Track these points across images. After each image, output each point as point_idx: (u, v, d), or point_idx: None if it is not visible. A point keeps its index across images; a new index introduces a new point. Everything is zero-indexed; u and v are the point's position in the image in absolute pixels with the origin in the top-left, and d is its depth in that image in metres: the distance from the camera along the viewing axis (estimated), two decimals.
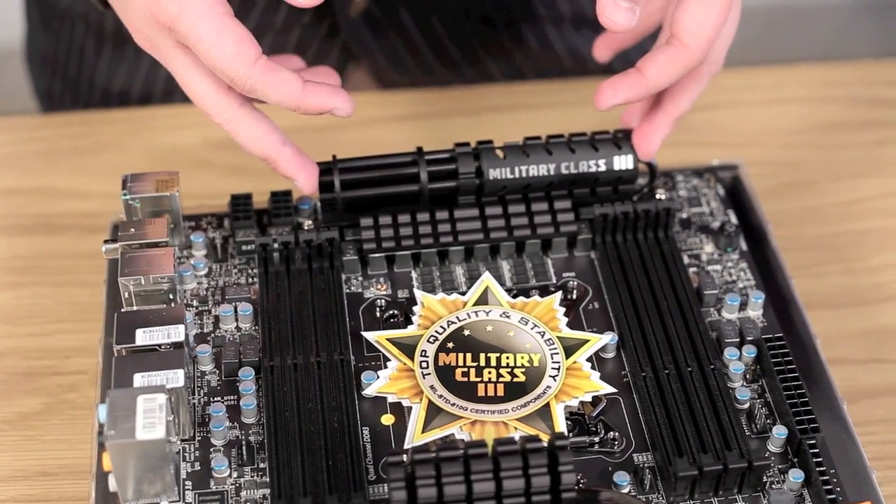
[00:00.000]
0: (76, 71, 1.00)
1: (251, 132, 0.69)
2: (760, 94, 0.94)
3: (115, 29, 0.96)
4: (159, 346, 0.64)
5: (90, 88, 1.00)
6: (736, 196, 0.78)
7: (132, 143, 0.90)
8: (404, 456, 0.58)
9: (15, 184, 0.87)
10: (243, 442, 0.64)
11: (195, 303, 0.71)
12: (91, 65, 0.99)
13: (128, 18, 0.69)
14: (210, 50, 0.65)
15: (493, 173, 0.72)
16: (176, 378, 0.62)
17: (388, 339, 0.68)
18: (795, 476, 0.62)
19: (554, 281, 0.72)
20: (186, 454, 0.64)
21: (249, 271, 0.72)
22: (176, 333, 0.64)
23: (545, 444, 0.59)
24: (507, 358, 0.67)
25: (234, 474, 0.63)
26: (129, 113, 0.93)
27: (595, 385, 0.66)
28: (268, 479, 0.62)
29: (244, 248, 0.73)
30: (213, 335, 0.69)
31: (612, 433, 0.64)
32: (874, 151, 0.90)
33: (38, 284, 0.81)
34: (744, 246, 0.74)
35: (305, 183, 0.70)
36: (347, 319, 0.69)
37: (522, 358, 0.67)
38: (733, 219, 0.75)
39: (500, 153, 0.72)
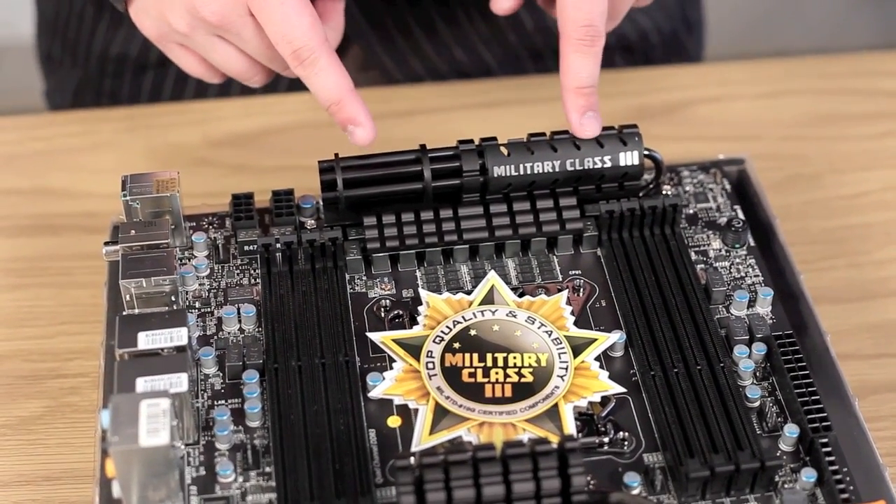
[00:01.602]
0: (75, 34, 1.01)
1: (333, 68, 0.70)
2: (763, 86, 0.94)
3: None
4: (162, 349, 0.63)
5: (88, 52, 1.00)
6: (742, 190, 0.77)
7: (131, 142, 0.89)
8: (412, 459, 0.58)
9: (13, 184, 0.86)
10: (248, 446, 0.63)
11: (197, 304, 0.70)
12: (90, 29, 0.99)
13: (163, 7, 0.70)
14: (290, 15, 0.68)
15: (498, 171, 0.71)
16: (179, 382, 0.62)
17: (393, 340, 0.67)
18: (808, 475, 0.61)
19: (560, 279, 0.71)
20: (191, 458, 0.63)
21: (252, 272, 0.71)
22: (179, 337, 0.64)
23: (555, 446, 0.58)
24: (515, 358, 0.66)
25: (240, 479, 0.62)
26: (128, 111, 0.92)
27: (604, 385, 0.65)
28: (274, 484, 0.61)
29: (246, 248, 0.72)
30: (216, 337, 0.68)
31: (621, 433, 0.63)
32: (878, 144, 0.89)
33: (38, 286, 0.80)
34: (751, 241, 0.73)
35: (369, 131, 0.71)
36: (352, 320, 0.69)
37: (530, 358, 0.66)
38: (740, 214, 0.74)
39: (504, 150, 0.71)
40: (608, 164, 0.72)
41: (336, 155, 0.72)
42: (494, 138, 0.72)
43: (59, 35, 1.03)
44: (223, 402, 0.65)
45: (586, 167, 0.71)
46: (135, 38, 0.97)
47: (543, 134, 0.72)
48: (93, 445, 0.69)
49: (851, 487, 0.61)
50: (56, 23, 1.03)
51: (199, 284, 0.71)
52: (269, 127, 0.90)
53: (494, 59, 0.98)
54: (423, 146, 0.72)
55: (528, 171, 0.71)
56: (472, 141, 0.72)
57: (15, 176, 0.87)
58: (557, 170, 0.71)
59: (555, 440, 0.59)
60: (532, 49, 0.98)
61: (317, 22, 0.70)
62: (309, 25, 0.69)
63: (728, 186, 0.76)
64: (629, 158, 0.72)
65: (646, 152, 0.72)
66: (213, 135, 0.89)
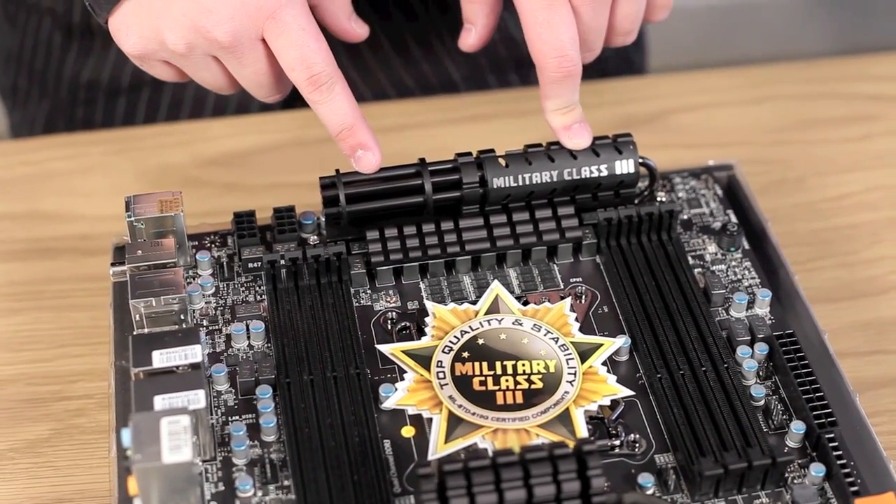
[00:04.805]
0: (43, 65, 1.00)
1: (347, 94, 0.71)
2: (743, 93, 0.95)
3: (82, 21, 0.96)
4: (177, 367, 0.64)
5: (57, 82, 1.00)
6: (733, 195, 0.78)
7: (121, 164, 0.90)
8: (433, 466, 0.59)
9: (6, 208, 0.86)
10: (266, 460, 0.64)
11: (205, 322, 0.70)
12: (58, 58, 0.99)
13: (160, 24, 0.70)
14: (310, 41, 0.69)
15: (497, 182, 0.72)
16: (197, 399, 0.62)
17: (402, 351, 0.68)
18: (817, 470, 0.63)
19: (561, 287, 0.72)
20: (209, 475, 0.63)
21: (257, 288, 0.72)
22: (193, 354, 0.64)
23: (572, 450, 0.59)
24: (524, 365, 0.67)
25: (259, 493, 0.63)
26: (116, 133, 0.93)
27: (613, 388, 0.66)
28: (293, 497, 0.62)
29: (250, 265, 0.72)
30: (225, 354, 0.69)
31: (632, 435, 0.65)
32: (859, 146, 0.91)
33: (36, 310, 0.80)
34: (746, 244, 0.74)
35: (378, 156, 0.71)
36: (360, 333, 0.69)
37: (538, 364, 0.67)
38: (734, 218, 0.76)
39: (502, 162, 0.72)
40: (604, 173, 0.73)
41: (337, 171, 0.72)
42: (492, 150, 0.73)
43: (26, 66, 1.02)
44: (237, 417, 0.66)
45: (583, 176, 0.73)
46: (106, 63, 0.97)
47: (540, 145, 0.73)
48: (102, 466, 0.70)
49: (859, 481, 0.63)
50: (21, 54, 1.02)
51: (206, 302, 0.71)
52: (257, 146, 0.91)
53: (459, 72, 0.98)
54: (422, 160, 0.73)
55: (527, 182, 0.72)
56: (470, 153, 0.73)
57: (7, 200, 0.87)
58: (555, 179, 0.72)
59: (570, 443, 0.60)
60: (496, 61, 0.99)
61: (329, 49, 0.70)
62: (327, 51, 0.69)
63: (720, 192, 0.78)
64: (625, 167, 0.73)
65: (640, 160, 0.74)
66: (203, 155, 0.90)
